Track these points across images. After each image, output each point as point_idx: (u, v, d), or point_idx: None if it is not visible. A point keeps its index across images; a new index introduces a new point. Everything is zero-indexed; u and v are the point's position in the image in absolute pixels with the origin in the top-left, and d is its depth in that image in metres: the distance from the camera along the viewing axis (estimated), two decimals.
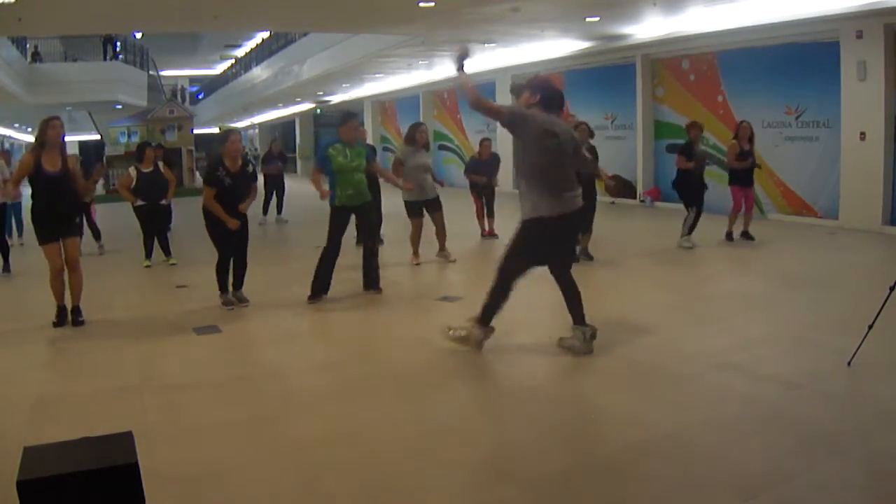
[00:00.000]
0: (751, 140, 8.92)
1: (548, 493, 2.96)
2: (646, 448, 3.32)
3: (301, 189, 19.64)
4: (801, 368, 4.37)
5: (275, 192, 13.37)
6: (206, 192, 6.16)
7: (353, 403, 4.10)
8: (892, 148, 9.66)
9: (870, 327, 4.20)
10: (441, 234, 8.29)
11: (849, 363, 4.25)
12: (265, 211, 13.26)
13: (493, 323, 4.78)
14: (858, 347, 4.22)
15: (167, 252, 8.81)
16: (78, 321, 5.86)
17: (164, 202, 8.82)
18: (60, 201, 5.68)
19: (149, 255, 8.70)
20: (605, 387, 4.23)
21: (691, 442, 3.39)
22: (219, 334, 5.59)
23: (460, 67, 4.67)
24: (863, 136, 9.78)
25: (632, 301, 6.38)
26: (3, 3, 9.12)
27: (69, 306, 5.90)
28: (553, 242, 4.68)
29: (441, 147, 20.63)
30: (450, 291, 6.60)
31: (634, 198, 14.12)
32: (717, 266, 8.15)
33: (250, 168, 6.36)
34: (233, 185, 6.14)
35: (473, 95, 4.54)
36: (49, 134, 5.58)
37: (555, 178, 4.57)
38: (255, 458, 3.35)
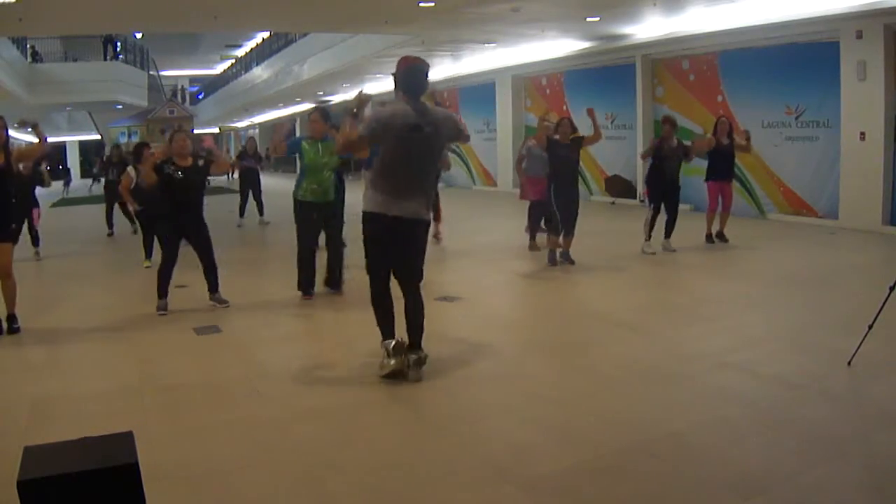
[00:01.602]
0: (730, 136, 8.88)
1: (548, 493, 2.96)
2: (646, 448, 3.32)
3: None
4: (801, 368, 4.37)
5: (251, 192, 12.98)
6: (148, 180, 6.33)
7: (353, 403, 4.10)
8: (892, 148, 9.67)
9: (869, 327, 4.21)
10: None
11: (849, 363, 4.26)
12: (241, 213, 13.09)
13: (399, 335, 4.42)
14: (858, 347, 4.23)
15: None
16: (13, 328, 5.62)
17: None
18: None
19: (148, 255, 8.69)
20: (604, 387, 4.22)
21: (691, 442, 3.39)
22: (219, 334, 5.59)
23: (354, 114, 4.30)
24: (863, 136, 9.79)
25: (631, 301, 6.38)
26: (3, 3, 9.13)
27: (3, 314, 5.63)
28: (385, 244, 4.31)
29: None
30: (448, 292, 6.59)
31: (634, 198, 14.12)
32: (715, 266, 8.14)
33: (201, 162, 6.39)
34: (185, 179, 6.19)
35: (346, 142, 4.32)
36: None
37: (398, 179, 4.21)
38: (255, 458, 3.35)
